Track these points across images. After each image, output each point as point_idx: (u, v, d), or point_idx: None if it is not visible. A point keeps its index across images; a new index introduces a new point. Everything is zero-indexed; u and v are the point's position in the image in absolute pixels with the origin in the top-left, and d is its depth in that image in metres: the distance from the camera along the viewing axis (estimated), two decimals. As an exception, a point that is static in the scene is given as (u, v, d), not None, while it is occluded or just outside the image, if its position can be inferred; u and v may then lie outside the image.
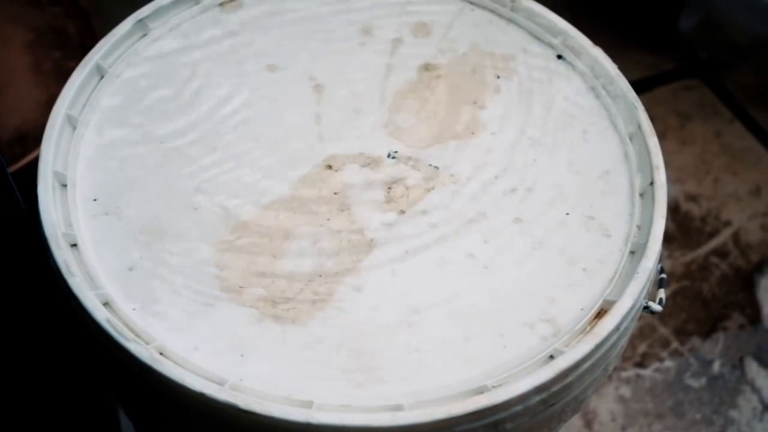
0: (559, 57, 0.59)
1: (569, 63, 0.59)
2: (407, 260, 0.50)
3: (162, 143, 0.54)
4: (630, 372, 0.93)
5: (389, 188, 0.53)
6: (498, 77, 0.58)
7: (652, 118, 0.55)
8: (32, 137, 0.75)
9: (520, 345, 0.47)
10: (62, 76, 0.55)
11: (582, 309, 0.48)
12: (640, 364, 0.94)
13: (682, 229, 1.03)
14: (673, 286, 0.99)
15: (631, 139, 0.55)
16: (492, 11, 0.62)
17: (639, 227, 0.51)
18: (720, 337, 0.96)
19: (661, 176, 0.52)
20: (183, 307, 0.47)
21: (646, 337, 0.96)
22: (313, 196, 0.52)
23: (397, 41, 0.60)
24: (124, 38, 0.58)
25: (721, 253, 1.02)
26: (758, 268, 1.01)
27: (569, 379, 0.45)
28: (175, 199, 0.51)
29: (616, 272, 0.49)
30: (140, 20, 0.58)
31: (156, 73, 0.57)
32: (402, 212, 0.52)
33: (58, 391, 0.68)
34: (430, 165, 0.54)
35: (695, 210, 1.05)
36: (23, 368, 0.63)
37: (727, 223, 1.04)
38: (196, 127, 0.55)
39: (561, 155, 0.55)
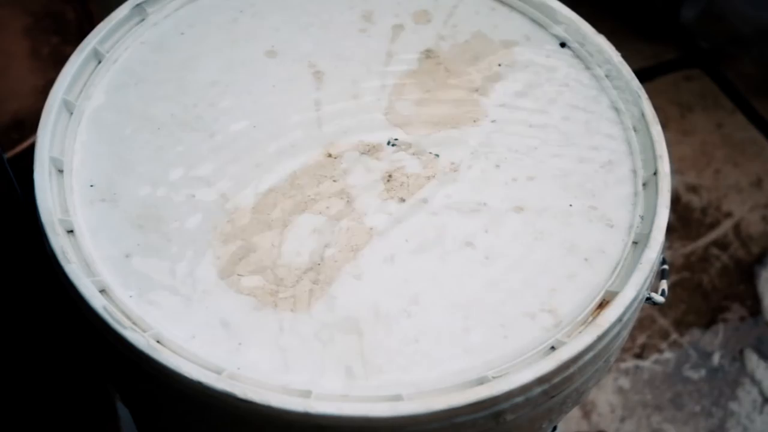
0: (563, 45, 0.59)
1: (572, 51, 0.58)
2: (407, 249, 0.49)
3: (159, 129, 0.53)
4: (629, 363, 0.93)
5: (389, 176, 0.52)
6: (500, 65, 0.58)
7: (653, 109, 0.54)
8: (30, 123, 0.75)
9: (521, 335, 0.46)
10: (60, 61, 0.54)
11: (584, 300, 0.47)
12: (640, 356, 0.94)
13: (683, 220, 1.03)
14: (673, 278, 0.99)
15: (634, 128, 0.54)
16: (494, -2, 0.61)
17: (642, 217, 0.51)
18: (720, 329, 0.96)
19: (664, 166, 0.52)
20: (180, 294, 0.47)
21: (645, 329, 0.95)
22: (313, 184, 0.52)
23: (398, 27, 0.59)
24: (121, 23, 0.57)
25: (721, 244, 1.02)
26: (759, 260, 1.01)
27: (571, 370, 0.45)
28: (173, 186, 0.51)
29: (618, 263, 0.49)
30: (138, 5, 0.58)
31: (154, 58, 0.57)
32: (402, 200, 0.51)
33: (55, 379, 0.68)
34: (431, 153, 0.53)
35: (696, 201, 1.04)
36: (20, 356, 0.63)
37: (728, 215, 1.04)
38: (194, 113, 0.54)
39: (563, 144, 0.54)
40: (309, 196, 0.51)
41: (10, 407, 0.65)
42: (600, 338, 0.45)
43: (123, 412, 0.78)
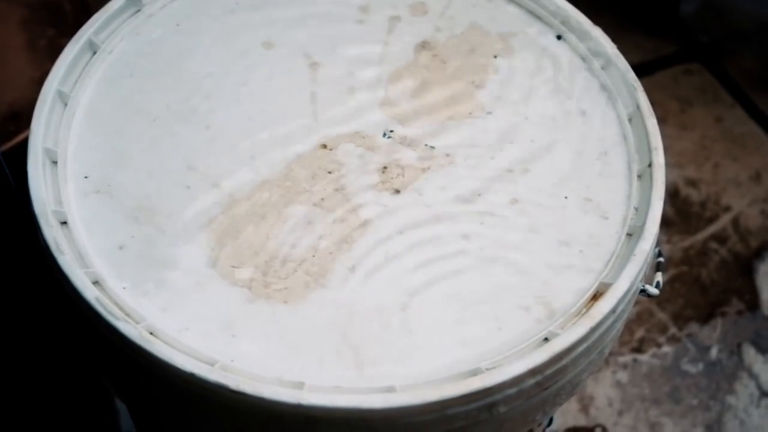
0: (559, 37, 0.59)
1: (568, 43, 0.58)
2: (402, 241, 0.49)
3: (154, 121, 0.53)
4: (627, 357, 0.93)
5: (384, 168, 0.52)
6: (496, 57, 0.58)
7: (652, 103, 0.54)
8: (26, 115, 0.74)
9: (514, 327, 0.46)
10: (57, 53, 0.54)
11: (578, 291, 0.47)
12: (638, 350, 0.93)
13: (682, 214, 1.03)
14: (672, 272, 0.99)
15: (629, 120, 0.54)
16: (491, -10, 0.61)
17: (636, 209, 0.50)
18: (718, 322, 0.96)
19: (659, 158, 0.51)
20: (174, 286, 0.47)
21: (643, 323, 0.95)
22: (307, 176, 0.51)
23: (395, 19, 0.59)
24: (117, 14, 0.57)
25: (720, 238, 1.02)
26: (757, 254, 1.01)
27: (564, 362, 0.45)
28: (167, 178, 0.51)
29: (612, 254, 0.49)
30: (134, -4, 0.58)
31: (149, 49, 0.56)
32: (397, 192, 0.51)
33: (53, 372, 0.67)
34: (426, 145, 0.53)
35: (695, 195, 1.04)
36: (15, 350, 0.63)
37: (727, 209, 1.04)
38: (190, 105, 0.54)
39: (558, 136, 0.54)
40: (304, 187, 0.51)
41: (7, 401, 0.65)
42: (593, 330, 0.45)
43: (121, 406, 0.78)
